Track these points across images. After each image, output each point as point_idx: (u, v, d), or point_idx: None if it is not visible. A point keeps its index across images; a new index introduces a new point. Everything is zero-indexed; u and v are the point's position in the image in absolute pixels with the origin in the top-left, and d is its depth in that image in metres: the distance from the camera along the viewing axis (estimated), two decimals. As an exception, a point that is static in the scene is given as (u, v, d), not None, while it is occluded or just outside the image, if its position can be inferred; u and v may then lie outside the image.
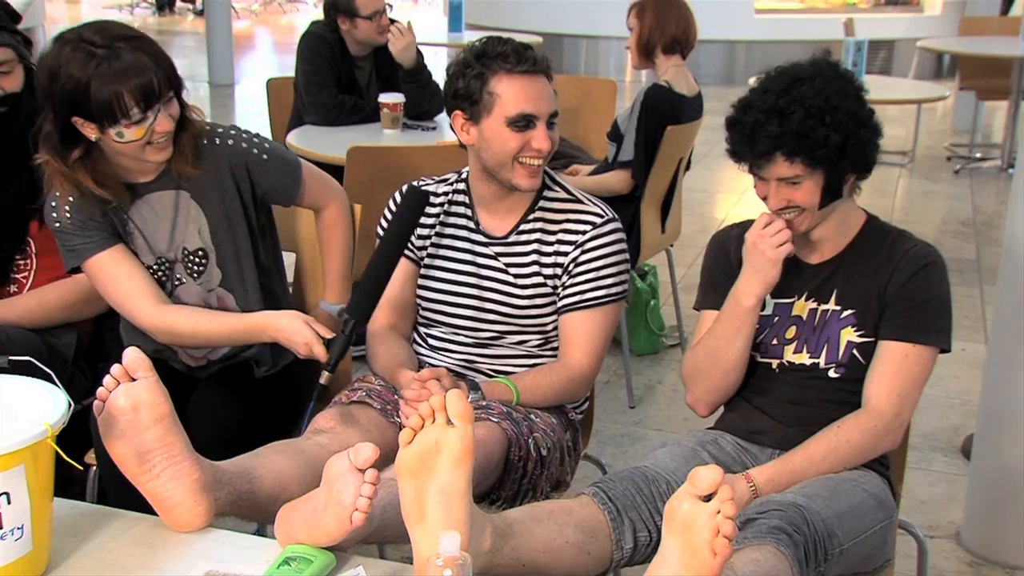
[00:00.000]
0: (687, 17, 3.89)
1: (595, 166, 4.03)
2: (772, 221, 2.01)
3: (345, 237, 2.45)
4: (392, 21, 4.17)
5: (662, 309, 4.40)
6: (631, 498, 1.91)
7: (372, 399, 2.17)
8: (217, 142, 2.23)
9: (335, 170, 3.38)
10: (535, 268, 2.23)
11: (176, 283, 2.29)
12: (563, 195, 2.26)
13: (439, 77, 2.60)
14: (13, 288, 2.48)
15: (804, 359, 2.09)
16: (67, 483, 1.71)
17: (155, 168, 2.18)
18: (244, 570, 1.52)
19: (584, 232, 2.20)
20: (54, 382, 1.52)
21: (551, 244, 2.22)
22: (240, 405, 2.27)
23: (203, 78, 10.14)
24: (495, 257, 2.25)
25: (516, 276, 2.23)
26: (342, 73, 4.20)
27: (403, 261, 2.29)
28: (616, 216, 2.25)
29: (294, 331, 2.12)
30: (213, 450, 1.74)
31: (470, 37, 4.70)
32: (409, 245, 2.29)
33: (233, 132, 2.27)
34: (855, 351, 2.05)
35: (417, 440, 1.49)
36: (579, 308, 2.21)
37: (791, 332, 2.11)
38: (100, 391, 1.60)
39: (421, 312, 2.34)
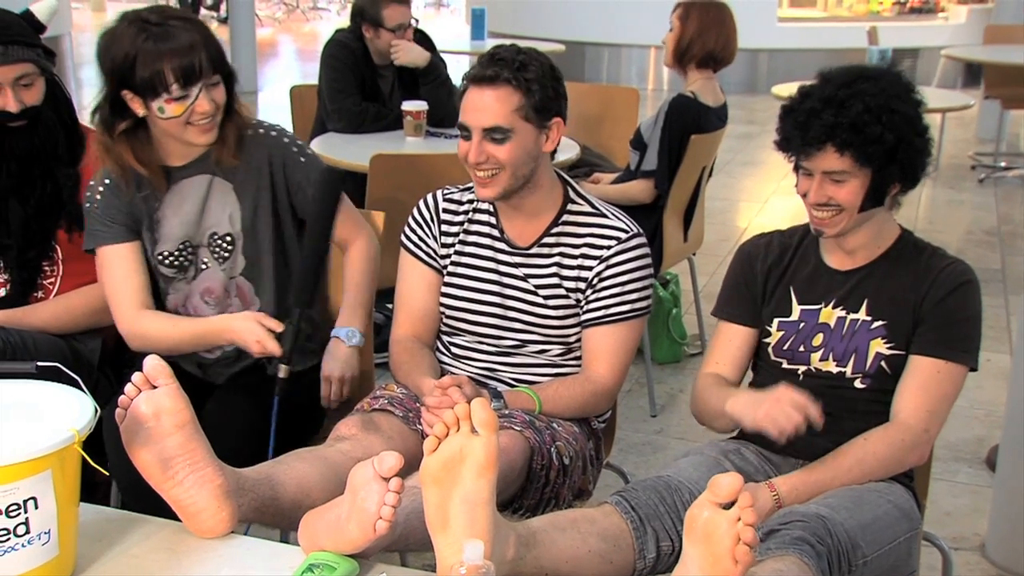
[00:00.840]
0: (729, 35, 3.80)
1: (617, 174, 4.03)
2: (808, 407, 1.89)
3: (367, 271, 2.43)
4: (419, 32, 4.18)
5: (684, 318, 4.39)
6: (654, 507, 1.90)
7: (394, 407, 2.18)
8: (261, 131, 2.32)
9: (358, 177, 3.41)
10: (555, 280, 2.22)
11: (201, 267, 2.34)
12: (588, 208, 2.25)
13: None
14: (40, 294, 2.49)
15: (831, 367, 2.08)
16: (91, 489, 1.72)
17: (197, 151, 2.25)
18: (268, 577, 1.52)
19: (609, 247, 2.19)
20: (80, 388, 1.53)
21: (575, 258, 2.22)
22: (257, 411, 2.26)
23: (227, 85, 10.20)
24: (517, 267, 2.26)
25: (537, 287, 2.23)
26: (365, 80, 4.21)
27: (425, 270, 2.31)
28: (641, 231, 2.24)
29: (246, 330, 2.18)
30: (231, 457, 1.74)
31: (493, 45, 4.72)
32: (432, 254, 2.30)
33: (278, 127, 2.35)
34: (883, 363, 2.04)
35: (442, 448, 1.49)
36: (603, 323, 2.20)
37: (818, 339, 2.09)
38: (122, 399, 1.61)
39: (444, 320, 2.34)
